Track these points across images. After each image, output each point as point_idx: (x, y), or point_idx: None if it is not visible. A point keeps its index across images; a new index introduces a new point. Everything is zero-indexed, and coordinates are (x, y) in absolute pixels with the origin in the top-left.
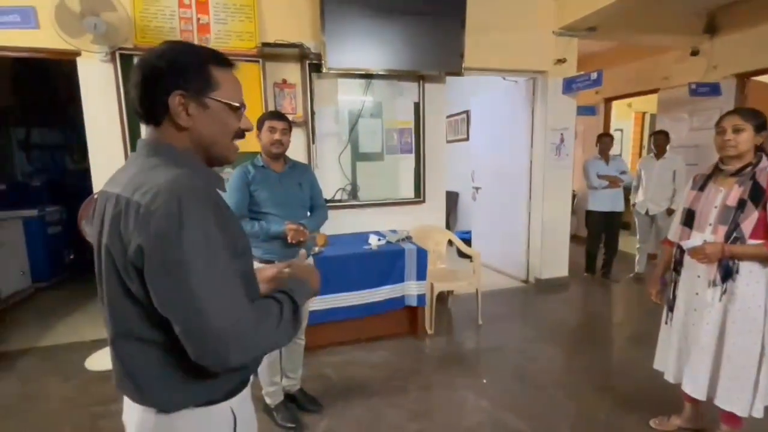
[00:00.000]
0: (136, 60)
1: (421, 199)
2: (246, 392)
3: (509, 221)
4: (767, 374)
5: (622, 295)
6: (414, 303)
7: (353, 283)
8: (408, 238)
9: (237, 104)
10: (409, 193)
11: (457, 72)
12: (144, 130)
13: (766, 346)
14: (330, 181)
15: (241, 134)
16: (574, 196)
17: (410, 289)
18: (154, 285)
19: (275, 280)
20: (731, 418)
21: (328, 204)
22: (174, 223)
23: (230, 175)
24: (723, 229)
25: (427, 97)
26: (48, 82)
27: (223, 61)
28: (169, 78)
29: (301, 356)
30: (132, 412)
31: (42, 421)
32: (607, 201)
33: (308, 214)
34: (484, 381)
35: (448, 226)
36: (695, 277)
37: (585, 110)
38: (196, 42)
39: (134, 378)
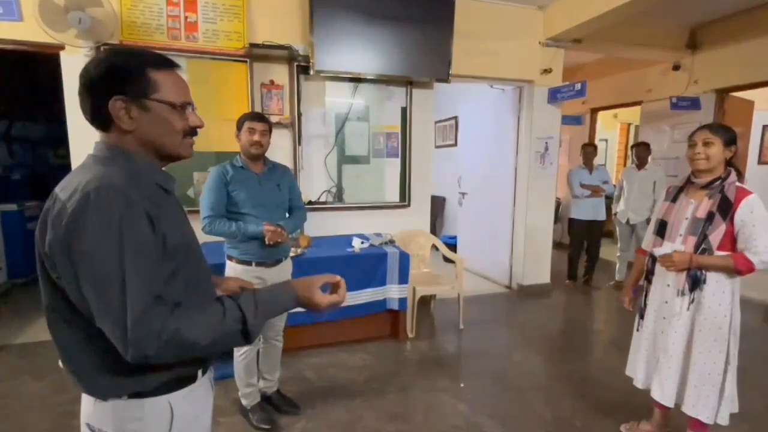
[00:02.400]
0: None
1: (406, 203)
2: (195, 390)
3: (494, 227)
4: (732, 382)
5: (602, 302)
6: (396, 306)
7: None
8: (391, 242)
9: (178, 102)
10: (394, 197)
11: (444, 79)
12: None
13: (731, 354)
14: (315, 183)
15: (191, 131)
16: (558, 204)
17: (392, 292)
18: (66, 277)
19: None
20: (697, 424)
21: (313, 206)
22: (81, 217)
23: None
24: (693, 240)
25: (414, 102)
26: (31, 75)
27: (163, 62)
28: (107, 84)
29: (278, 358)
30: (82, 399)
31: (14, 419)
32: (589, 210)
33: (287, 215)
34: (462, 385)
35: (435, 231)
36: (665, 285)
37: (571, 120)
38: (183, 41)
39: (69, 362)
